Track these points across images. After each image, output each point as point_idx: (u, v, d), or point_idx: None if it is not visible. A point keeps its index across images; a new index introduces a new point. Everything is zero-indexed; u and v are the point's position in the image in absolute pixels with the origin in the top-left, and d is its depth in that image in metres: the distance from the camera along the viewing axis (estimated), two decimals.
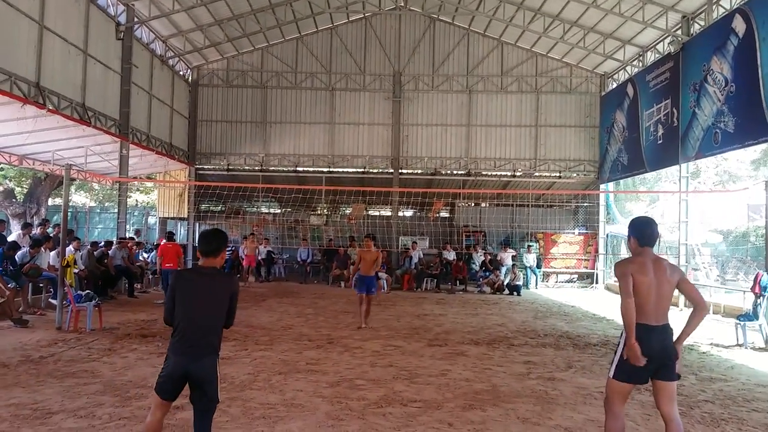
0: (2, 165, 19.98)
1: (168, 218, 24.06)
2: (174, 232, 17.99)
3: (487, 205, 24.61)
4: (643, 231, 4.41)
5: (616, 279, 4.50)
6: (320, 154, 23.37)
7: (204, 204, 23.62)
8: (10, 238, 13.01)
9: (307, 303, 14.97)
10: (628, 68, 21.11)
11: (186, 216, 23.28)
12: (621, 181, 23.10)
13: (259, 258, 20.80)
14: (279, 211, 24.47)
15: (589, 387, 7.13)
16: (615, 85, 22.18)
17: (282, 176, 23.30)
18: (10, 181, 23.71)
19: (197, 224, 23.25)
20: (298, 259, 21.97)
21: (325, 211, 24.45)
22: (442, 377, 7.43)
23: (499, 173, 23.50)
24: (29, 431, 5.08)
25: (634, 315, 4.21)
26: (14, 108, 12.38)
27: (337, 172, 23.38)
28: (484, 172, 23.43)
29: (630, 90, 20.25)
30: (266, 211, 24.64)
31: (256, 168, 23.14)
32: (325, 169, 23.35)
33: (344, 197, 23.70)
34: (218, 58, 23.21)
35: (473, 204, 24.87)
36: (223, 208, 23.63)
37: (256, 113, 23.40)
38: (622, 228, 24.59)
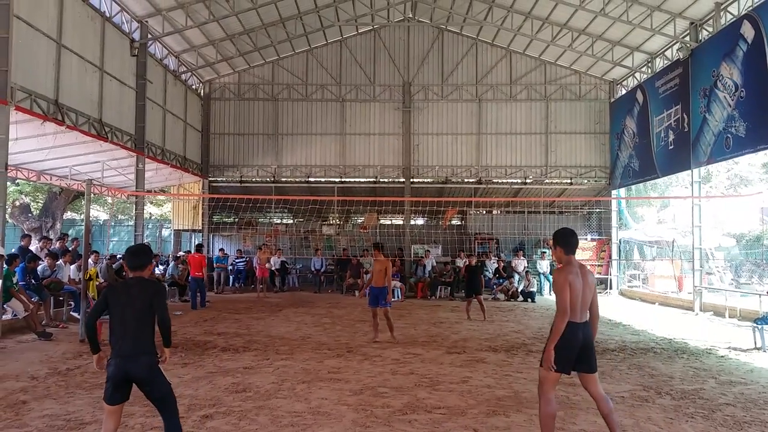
0: (19, 180, 20.25)
1: (182, 230, 24.29)
2: (203, 244, 19.19)
3: (499, 212, 24.68)
4: (569, 241, 5.01)
5: (553, 289, 4.97)
6: (332, 164, 23.55)
7: (217, 216, 23.84)
8: None
9: (323, 312, 15.08)
10: (637, 75, 21.19)
11: (200, 228, 23.50)
12: (633, 186, 23.11)
13: (273, 268, 20.96)
14: (292, 221, 24.64)
15: (611, 392, 7.17)
16: (624, 92, 22.26)
17: (294, 187, 23.50)
18: (26, 196, 24.00)
19: (211, 236, 23.46)
20: (312, 269, 22.13)
21: (338, 221, 24.60)
22: (463, 384, 7.51)
23: (510, 181, 23.58)
24: None
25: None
26: (34, 125, 12.62)
27: (349, 182, 23.53)
28: (495, 180, 23.52)
29: (639, 96, 20.31)
30: (279, 221, 24.81)
31: (269, 179, 23.34)
32: (337, 180, 23.51)
33: (356, 207, 23.85)
34: (230, 72, 23.48)
35: (485, 212, 24.95)
36: (236, 220, 23.83)
37: (267, 125, 23.63)
38: (634, 233, 24.62)
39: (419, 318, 14.40)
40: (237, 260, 21.83)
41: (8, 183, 12.95)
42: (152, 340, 4.40)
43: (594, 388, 5.06)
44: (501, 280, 20.35)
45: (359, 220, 24.94)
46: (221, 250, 22.17)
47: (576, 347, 4.88)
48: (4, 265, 10.55)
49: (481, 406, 6.48)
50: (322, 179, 23.67)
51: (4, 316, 10.65)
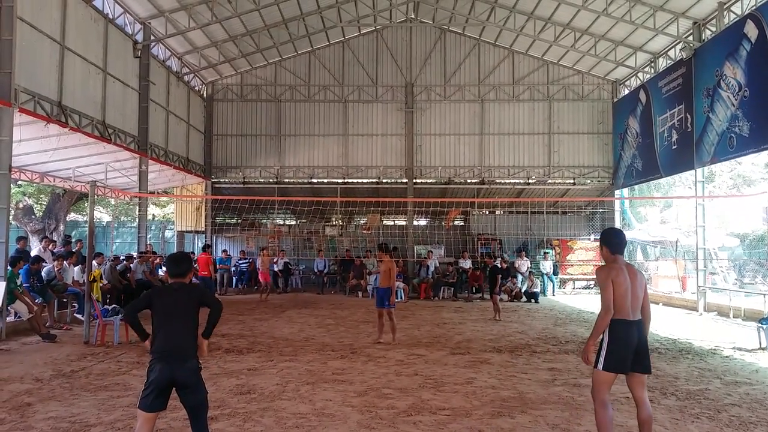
0: (22, 182, 20.28)
1: (185, 232, 24.32)
2: (210, 244, 19.78)
3: (502, 212, 24.66)
4: (613, 241, 5.00)
5: (598, 286, 4.92)
6: (334, 165, 23.56)
7: (220, 217, 23.86)
8: (32, 253, 13.26)
9: (327, 313, 15.08)
10: (640, 75, 21.16)
11: (203, 229, 23.53)
12: (636, 186, 23.08)
13: (276, 269, 20.95)
14: (294, 222, 24.65)
15: (615, 393, 7.13)
16: (627, 92, 22.24)
17: (297, 188, 23.52)
18: (29, 197, 24.03)
19: (214, 237, 23.48)
20: (315, 270, 22.13)
21: (340, 222, 24.61)
22: (468, 385, 7.50)
23: (513, 181, 23.57)
24: None
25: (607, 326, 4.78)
26: (38, 127, 12.62)
27: (352, 183, 23.55)
28: (498, 181, 23.52)
29: (642, 96, 20.29)
30: (282, 222, 24.82)
31: (271, 180, 23.35)
32: (340, 181, 23.52)
33: (359, 208, 23.85)
34: (232, 74, 23.50)
35: (488, 212, 24.94)
36: (239, 221, 23.85)
37: (270, 126, 23.64)
38: (638, 234, 24.58)
39: (423, 319, 14.39)
40: (240, 261, 21.82)
41: (11, 185, 12.93)
42: (195, 345, 4.44)
43: (640, 392, 4.90)
44: (504, 281, 20.28)
45: (362, 221, 24.94)
46: (224, 251, 22.19)
47: (632, 346, 4.72)
48: (8, 267, 10.57)
49: (485, 407, 6.47)
50: (325, 180, 23.68)
51: (8, 318, 10.66)
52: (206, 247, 18.35)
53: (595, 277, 22.71)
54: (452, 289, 20.16)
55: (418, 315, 15.17)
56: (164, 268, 18.00)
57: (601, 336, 4.80)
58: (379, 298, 10.83)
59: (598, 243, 22.15)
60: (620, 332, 4.69)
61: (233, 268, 21.82)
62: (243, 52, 21.79)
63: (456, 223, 24.70)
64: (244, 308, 16.25)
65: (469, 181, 23.67)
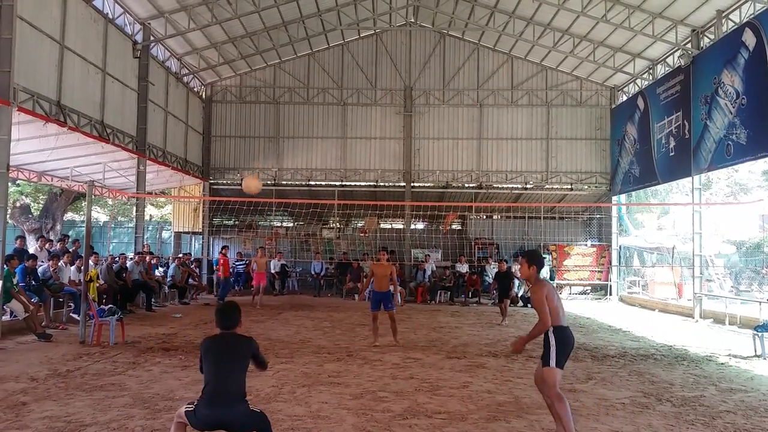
0: (20, 181, 20.24)
1: (183, 233, 24.30)
2: (227, 245, 20.38)
3: (500, 217, 24.69)
4: (540, 261, 5.85)
5: (534, 302, 5.63)
6: (332, 168, 23.58)
7: (218, 218, 23.84)
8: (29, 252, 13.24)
9: (323, 316, 15.08)
10: (639, 81, 21.23)
11: (200, 230, 23.52)
12: (633, 192, 23.15)
13: (273, 271, 20.93)
14: (292, 224, 24.65)
15: (611, 398, 7.18)
16: (625, 98, 22.30)
17: (294, 190, 23.51)
18: (26, 197, 23.99)
19: (211, 238, 23.47)
20: (312, 272, 22.11)
21: (338, 224, 24.61)
22: (464, 389, 7.50)
23: (510, 186, 23.61)
24: None
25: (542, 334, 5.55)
26: (36, 126, 12.60)
27: (350, 185, 23.57)
28: (495, 185, 23.56)
29: (641, 103, 20.35)
30: (279, 224, 24.80)
31: (269, 182, 23.34)
32: (338, 183, 23.53)
33: (357, 211, 23.86)
34: (231, 75, 23.52)
35: (485, 216, 24.97)
36: (237, 222, 23.83)
37: (269, 128, 23.64)
38: (634, 240, 24.63)
39: (419, 323, 14.39)
40: (237, 263, 21.80)
41: (9, 184, 12.91)
42: (245, 387, 4.56)
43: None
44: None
45: (359, 224, 24.95)
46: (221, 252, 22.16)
47: (572, 346, 5.64)
48: (5, 266, 10.55)
49: (481, 412, 6.48)
50: (323, 183, 23.68)
51: (4, 317, 10.63)
52: (224, 248, 18.81)
53: (591, 282, 22.88)
54: (449, 293, 20.16)
55: (415, 318, 15.17)
56: (161, 269, 18.08)
57: (545, 340, 5.50)
58: (376, 302, 10.79)
59: (596, 248, 22.59)
60: (564, 336, 5.49)
61: (230, 270, 21.74)
62: (242, 53, 21.80)
63: (453, 227, 24.73)
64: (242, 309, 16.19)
65: (466, 185, 23.70)
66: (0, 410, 6.08)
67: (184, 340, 10.87)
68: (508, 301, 15.00)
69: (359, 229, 24.72)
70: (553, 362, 5.44)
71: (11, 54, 11.21)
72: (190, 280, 18.65)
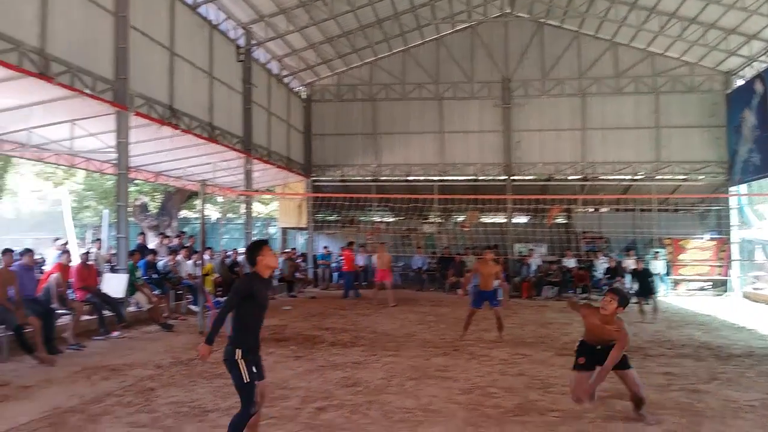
0: (138, 181, 21.53)
1: (288, 228, 25.15)
2: (353, 240, 20.75)
3: (608, 210, 23.70)
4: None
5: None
6: (431, 162, 23.48)
7: (320, 214, 24.38)
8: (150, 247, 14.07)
9: (427, 310, 15.05)
10: (755, 64, 19.69)
11: (304, 226, 24.20)
12: (755, 182, 21.50)
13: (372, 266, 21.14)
14: (392, 219, 24.81)
15: (739, 400, 6.69)
16: (742, 83, 20.77)
17: (394, 186, 23.60)
18: (145, 196, 25.57)
19: (315, 234, 24.07)
20: (413, 267, 22.16)
21: (438, 219, 24.53)
22: None
23: (618, 177, 22.59)
24: (190, 427, 5.46)
25: None
26: (152, 129, 13.34)
27: (449, 180, 23.41)
28: (601, 177, 22.63)
29: (759, 87, 18.89)
30: (379, 220, 25.05)
31: (369, 178, 23.61)
32: (437, 178, 23.43)
33: (457, 205, 23.66)
34: (329, 74, 23.94)
35: (592, 209, 24.06)
36: (339, 218, 24.29)
37: (366, 125, 23.89)
38: (758, 233, 22.94)
39: (526, 318, 14.06)
40: (340, 258, 22.23)
41: (129, 183, 13.74)
42: None
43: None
44: (611, 281, 19.46)
45: (460, 219, 24.74)
46: (325, 247, 22.70)
47: None
48: (129, 260, 11.28)
49: (597, 411, 6.22)
50: (422, 177, 23.66)
51: (129, 309, 11.35)
52: (350, 244, 19.15)
53: (710, 278, 21.47)
54: (556, 288, 19.56)
55: (521, 314, 14.83)
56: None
57: None
58: (480, 299, 10.64)
59: (715, 242, 21.14)
60: None
61: (334, 264, 22.25)
62: (339, 52, 22.16)
63: (558, 220, 23.99)
64: (345, 303, 16.53)
65: (570, 177, 22.94)
66: (131, 395, 6.49)
67: (294, 331, 11.20)
68: (654, 299, 14.13)
69: (460, 224, 24.51)
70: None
71: (127, 62, 11.93)
72: (297, 274, 19.21)
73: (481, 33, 23.30)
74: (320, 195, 22.45)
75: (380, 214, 25.05)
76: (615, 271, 18.47)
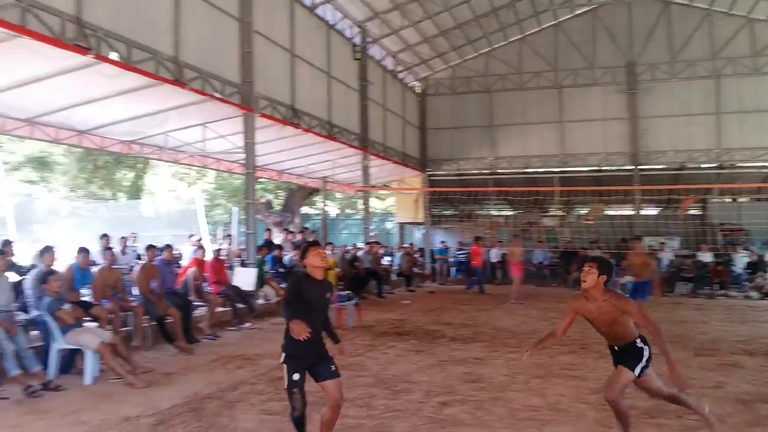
0: (262, 179, 22.53)
1: (405, 223, 25.40)
2: (481, 236, 20.05)
3: (747, 199, 21.88)
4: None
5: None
6: (550, 153, 22.80)
7: (437, 208, 24.39)
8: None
9: (549, 306, 14.57)
10: None
11: (421, 220, 24.31)
12: None
13: (493, 260, 20.85)
14: (510, 213, 24.33)
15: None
16: None
17: (512, 178, 23.16)
18: (269, 193, 26.79)
19: (432, 228, 24.13)
20: (534, 262, 21.58)
21: (559, 212, 23.75)
22: (718, 389, 6.71)
23: (759, 164, 20.82)
24: (319, 416, 5.61)
25: None
26: (275, 129, 13.96)
27: (570, 171, 22.61)
28: (739, 164, 20.97)
29: None
30: (497, 213, 24.64)
31: (486, 171, 23.29)
32: (557, 169, 22.70)
33: (579, 197, 22.80)
34: (444, 67, 23.89)
35: (730, 199, 22.31)
36: (455, 212, 24.17)
37: (482, 117, 23.60)
38: None
39: (658, 317, 13.05)
40: (458, 252, 22.15)
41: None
42: None
43: None
44: (753, 275, 17.94)
45: (582, 211, 23.80)
46: (442, 242, 22.69)
47: None
48: (257, 255, 11.84)
49: (740, 415, 5.75)
50: (541, 169, 23.04)
51: (258, 301, 11.90)
52: (477, 239, 18.85)
53: None
54: (690, 285, 18.29)
55: (653, 311, 13.91)
56: (388, 258, 18.98)
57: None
58: (636, 292, 10.30)
59: None
60: None
61: (451, 259, 22.19)
62: (453, 45, 22.03)
63: (692, 212, 22.44)
64: (463, 298, 16.43)
65: (704, 165, 21.40)
66: (263, 383, 6.80)
67: (414, 325, 11.26)
68: None
69: (583, 217, 23.58)
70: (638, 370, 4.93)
71: (252, 66, 12.50)
72: (415, 268, 19.34)
73: (602, 16, 22.30)
74: (436, 189, 22.48)
75: (498, 208, 24.66)
76: (757, 266, 16.97)
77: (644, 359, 4.85)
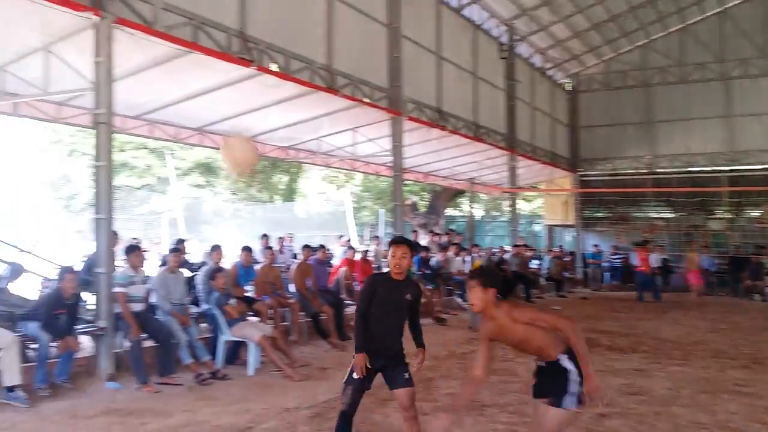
0: (407, 181, 22.86)
1: (554, 226, 24.61)
2: (647, 239, 18.96)
3: None
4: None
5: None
6: (717, 151, 20.94)
7: (588, 210, 23.33)
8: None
9: (717, 317, 13.34)
10: None
11: (571, 223, 23.40)
12: None
13: (654, 266, 19.53)
14: (671, 215, 22.67)
15: None
16: None
17: (673, 178, 21.56)
18: (414, 195, 27.17)
19: (583, 232, 23.14)
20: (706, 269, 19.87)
21: (728, 214, 21.73)
22: None
23: None
24: (469, 419, 5.56)
25: None
26: (421, 132, 14.10)
27: (740, 170, 20.64)
28: None
29: None
30: (656, 216, 23.05)
31: (643, 171, 21.91)
32: (725, 168, 20.81)
33: (751, 198, 20.73)
34: (596, 62, 22.82)
35: None
36: (609, 214, 22.97)
37: (639, 113, 22.24)
38: None
39: None
40: (612, 256, 21.02)
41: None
42: None
43: None
44: None
45: (755, 214, 21.60)
46: (595, 246, 21.65)
47: None
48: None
49: None
50: (706, 168, 21.23)
51: None
52: (644, 243, 17.81)
53: None
54: None
55: None
56: (536, 262, 18.43)
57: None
58: None
59: None
60: None
61: (605, 264, 21.12)
62: (606, 38, 20.97)
63: None
64: (619, 305, 15.58)
65: None
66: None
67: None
68: None
69: (756, 219, 21.37)
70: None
71: (400, 70, 12.71)
72: (566, 273, 18.66)
73: None
74: (589, 190, 21.47)
75: (657, 210, 23.06)
76: None
77: (572, 384, 3.66)
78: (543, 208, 26.64)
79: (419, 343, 4.43)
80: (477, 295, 3.78)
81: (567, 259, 20.02)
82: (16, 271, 7.90)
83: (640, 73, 22.23)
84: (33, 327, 6.46)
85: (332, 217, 25.19)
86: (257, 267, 9.50)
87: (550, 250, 19.42)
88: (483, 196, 29.01)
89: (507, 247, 17.83)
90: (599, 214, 23.41)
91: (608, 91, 22.73)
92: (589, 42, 21.04)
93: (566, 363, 3.67)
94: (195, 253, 12.80)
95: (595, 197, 21.49)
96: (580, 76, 23.28)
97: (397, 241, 4.46)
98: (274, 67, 9.63)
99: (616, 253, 21.12)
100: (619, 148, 22.53)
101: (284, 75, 9.81)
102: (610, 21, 19.78)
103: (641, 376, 7.43)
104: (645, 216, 22.96)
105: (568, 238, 24.59)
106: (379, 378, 4.43)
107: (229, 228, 26.69)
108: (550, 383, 3.75)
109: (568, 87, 23.33)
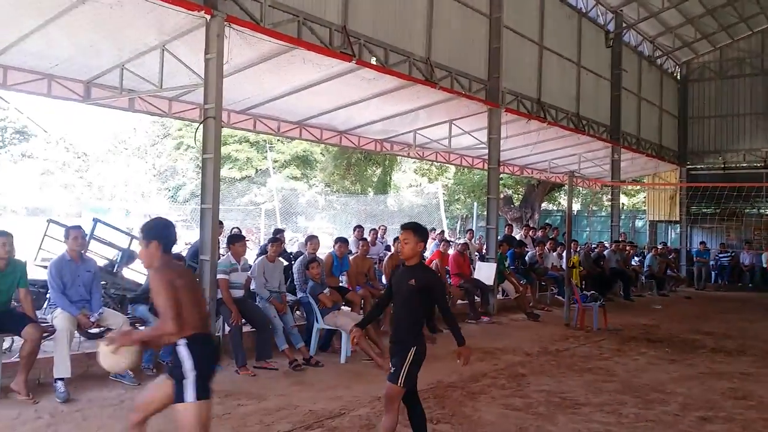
0: (503, 175, 22.49)
1: (658, 221, 23.51)
2: None
3: None
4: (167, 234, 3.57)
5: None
6: None
7: (696, 206, 22.08)
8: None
9: None
10: None
11: (677, 219, 22.24)
12: None
13: (766, 266, 18.28)
14: None
15: None
16: None
17: None
18: (509, 189, 26.71)
19: (689, 228, 21.96)
20: None
21: None
22: None
23: None
24: (563, 418, 5.48)
25: None
26: (520, 124, 13.84)
27: None
28: None
29: None
30: None
31: (759, 165, 20.48)
32: None
33: None
34: (709, 50, 21.50)
35: None
36: (717, 210, 21.67)
37: (757, 104, 20.77)
38: None
39: None
40: (720, 255, 19.83)
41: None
42: None
43: None
44: None
45: None
46: (702, 243, 20.50)
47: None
48: (498, 250, 11.91)
49: None
50: None
51: (498, 296, 11.95)
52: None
53: None
54: None
55: None
56: (637, 259, 17.66)
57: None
58: None
59: None
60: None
61: (712, 262, 19.97)
62: (722, 24, 19.67)
63: None
64: (727, 306, 14.75)
65: None
66: (504, 378, 6.83)
67: (667, 332, 10.38)
68: None
69: None
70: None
71: (500, 61, 12.53)
72: (669, 271, 17.80)
73: None
74: (698, 185, 20.26)
75: None
76: None
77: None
78: (645, 202, 25.45)
79: (458, 340, 4.23)
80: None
81: (671, 256, 19.07)
82: (129, 256, 8.46)
83: (758, 61, 20.76)
84: (142, 309, 6.90)
85: (424, 210, 25.30)
86: (351, 258, 9.70)
87: (653, 247, 18.54)
88: (582, 190, 28.13)
89: (606, 243, 17.23)
90: (707, 210, 22.08)
91: (723, 80, 21.38)
92: (703, 29, 19.84)
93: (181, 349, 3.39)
94: (291, 243, 13.24)
95: (705, 192, 20.24)
96: (691, 65, 22.02)
97: (403, 225, 4.35)
98: (373, 61, 9.78)
99: (724, 252, 19.89)
100: (732, 140, 21.18)
101: (383, 68, 9.94)
102: (728, 5, 18.56)
103: (749, 380, 7.04)
104: (759, 213, 21.45)
105: (672, 234, 23.42)
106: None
107: (322, 219, 27.41)
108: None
109: (678, 76, 22.13)
